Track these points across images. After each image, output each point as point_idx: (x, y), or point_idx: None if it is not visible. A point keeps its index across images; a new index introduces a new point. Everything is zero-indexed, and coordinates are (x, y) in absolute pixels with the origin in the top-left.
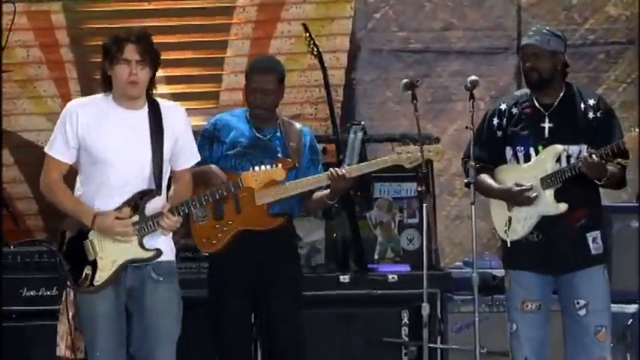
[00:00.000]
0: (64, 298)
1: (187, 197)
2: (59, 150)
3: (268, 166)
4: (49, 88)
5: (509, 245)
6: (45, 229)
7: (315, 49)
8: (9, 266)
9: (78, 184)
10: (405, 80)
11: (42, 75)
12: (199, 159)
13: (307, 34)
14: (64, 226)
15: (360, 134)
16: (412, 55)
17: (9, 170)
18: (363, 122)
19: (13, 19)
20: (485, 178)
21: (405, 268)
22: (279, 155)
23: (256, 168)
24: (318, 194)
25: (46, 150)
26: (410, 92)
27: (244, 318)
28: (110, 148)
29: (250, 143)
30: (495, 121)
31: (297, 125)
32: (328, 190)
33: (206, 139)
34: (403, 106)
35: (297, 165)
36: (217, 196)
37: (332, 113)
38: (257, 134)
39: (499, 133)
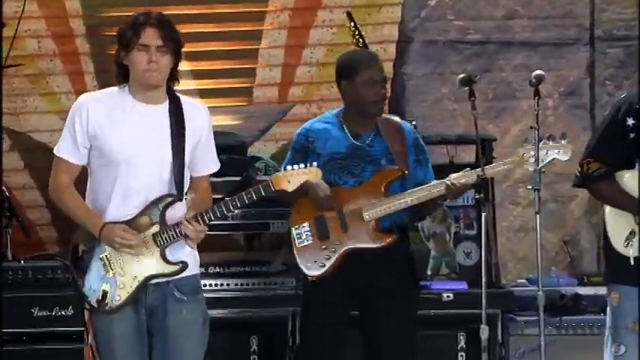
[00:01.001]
0: (87, 317)
1: (208, 205)
2: (68, 150)
3: (302, 165)
4: (63, 83)
5: (632, 262)
6: (59, 241)
7: (360, 39)
8: (19, 283)
9: (89, 189)
10: (462, 75)
11: (55, 69)
12: (219, 166)
13: (351, 22)
14: (76, 238)
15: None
16: (470, 46)
17: (18, 175)
18: (414, 122)
19: (24, 6)
20: (616, 184)
21: (461, 286)
22: (382, 163)
23: (288, 167)
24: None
25: (54, 151)
26: (467, 88)
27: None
28: (125, 147)
29: (348, 153)
30: (630, 121)
31: (395, 120)
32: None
33: (298, 152)
34: (460, 105)
35: (405, 173)
36: (246, 201)
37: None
38: (354, 141)
39: (632, 135)
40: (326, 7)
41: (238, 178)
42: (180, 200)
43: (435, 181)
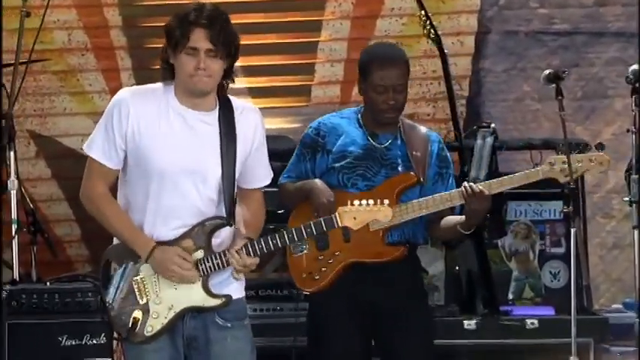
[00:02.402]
0: (115, 346)
1: (261, 223)
2: (102, 151)
3: (371, 201)
4: (95, 81)
5: None
6: (90, 260)
7: (432, 31)
8: (44, 308)
9: (119, 200)
10: (547, 71)
11: (87, 65)
12: (272, 176)
13: (423, 11)
14: (108, 254)
15: (489, 140)
16: (557, 38)
17: (44, 185)
18: (493, 125)
19: None
20: None
21: (547, 311)
22: (399, 168)
23: (355, 203)
24: (449, 219)
25: (85, 149)
26: (554, 86)
27: None
28: (166, 159)
29: (363, 153)
30: None
31: (422, 129)
32: (462, 217)
33: (306, 147)
34: (545, 104)
35: (421, 180)
36: (305, 235)
37: (454, 113)
38: (372, 141)
39: None
40: None
41: None
42: (230, 226)
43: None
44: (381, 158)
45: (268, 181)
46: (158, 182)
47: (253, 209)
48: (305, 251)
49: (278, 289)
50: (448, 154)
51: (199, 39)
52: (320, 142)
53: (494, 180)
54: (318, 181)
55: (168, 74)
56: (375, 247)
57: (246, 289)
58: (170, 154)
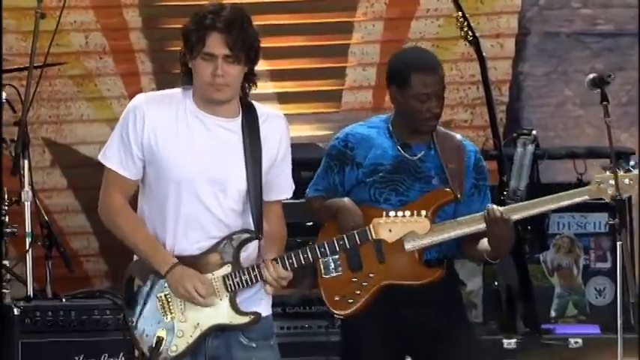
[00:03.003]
0: None
1: (284, 239)
2: (120, 161)
3: (407, 213)
4: (114, 86)
5: None
6: (109, 275)
7: (470, 32)
8: (60, 326)
9: (140, 212)
10: (592, 75)
11: (105, 69)
12: (293, 188)
13: (460, 12)
14: (131, 270)
15: (530, 148)
16: (600, 39)
17: (60, 196)
18: (534, 131)
19: None
20: None
21: (592, 330)
22: (434, 182)
23: (391, 214)
24: (482, 243)
25: (100, 159)
26: (598, 91)
27: None
28: (188, 169)
29: (395, 166)
30: None
31: (457, 138)
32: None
33: (334, 159)
34: (588, 110)
35: (458, 197)
36: (337, 248)
37: (493, 120)
38: (404, 153)
39: None
40: None
41: None
42: (259, 239)
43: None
44: (415, 171)
45: (290, 194)
46: (177, 192)
47: (274, 224)
48: (337, 272)
49: (307, 306)
50: (484, 164)
51: (216, 44)
52: (349, 154)
53: (514, 205)
54: (346, 200)
55: (187, 78)
56: (411, 268)
57: (273, 305)
58: (189, 163)
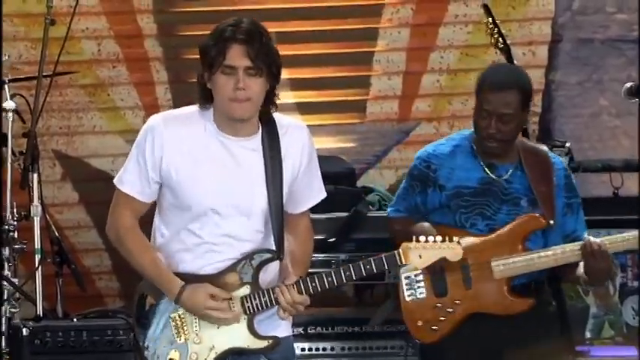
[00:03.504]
0: None
1: (310, 256)
2: (133, 185)
3: (439, 238)
4: (128, 96)
5: None
6: (122, 294)
7: (501, 40)
8: (71, 347)
9: (155, 230)
10: (629, 84)
11: (119, 78)
12: (325, 195)
13: (490, 18)
14: (143, 288)
15: (564, 160)
16: (636, 46)
17: (71, 211)
18: (567, 143)
19: None
20: None
21: (629, 352)
22: (523, 205)
23: (422, 238)
24: (581, 269)
25: (116, 183)
26: (636, 100)
27: None
28: (206, 192)
29: (481, 188)
30: None
31: (543, 152)
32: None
33: (416, 180)
34: (624, 120)
35: (551, 223)
36: (364, 272)
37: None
38: (490, 174)
39: None
40: None
41: (345, 215)
42: (280, 260)
43: (585, 236)
44: (502, 193)
45: (320, 197)
46: (198, 217)
47: (301, 240)
48: (421, 296)
49: (330, 327)
50: (574, 180)
51: (236, 56)
52: (431, 176)
53: (617, 236)
54: (427, 225)
55: (205, 98)
56: (499, 297)
57: (294, 325)
58: (211, 188)
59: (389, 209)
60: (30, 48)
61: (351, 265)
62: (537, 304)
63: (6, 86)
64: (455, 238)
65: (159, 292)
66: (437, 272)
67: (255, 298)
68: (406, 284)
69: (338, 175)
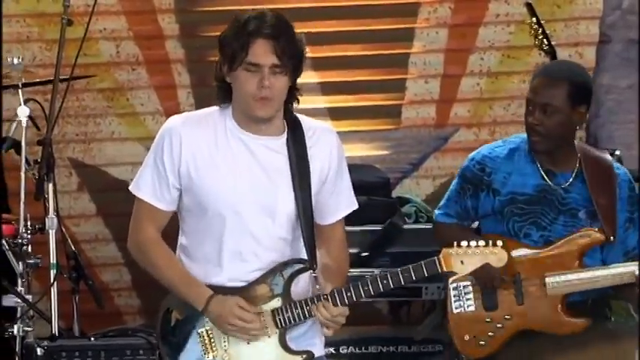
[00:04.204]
0: None
1: (346, 270)
2: (152, 192)
3: (482, 242)
4: (148, 101)
5: None
6: (142, 311)
7: (545, 41)
8: None
9: (181, 251)
10: None
11: (138, 81)
12: (357, 206)
13: (534, 18)
14: (169, 302)
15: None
16: None
17: (88, 223)
18: (617, 151)
19: None
20: None
21: None
22: (581, 216)
23: (463, 244)
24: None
25: (132, 190)
26: None
27: None
28: (228, 195)
29: (537, 196)
30: None
31: (608, 161)
32: None
33: (468, 182)
34: None
35: (611, 239)
36: (402, 281)
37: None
38: (548, 181)
39: None
40: None
41: (379, 228)
42: (313, 270)
43: None
44: (559, 202)
45: (351, 208)
46: (220, 222)
47: (335, 253)
48: (470, 309)
49: (363, 346)
50: (637, 194)
51: (262, 53)
52: (485, 179)
53: None
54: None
55: (224, 95)
56: (552, 315)
57: (325, 345)
58: (233, 191)
59: (437, 212)
60: (45, 50)
61: (388, 273)
62: (593, 323)
63: (19, 91)
64: (499, 242)
65: (185, 307)
66: (487, 284)
67: (287, 311)
68: (454, 295)
69: (371, 184)
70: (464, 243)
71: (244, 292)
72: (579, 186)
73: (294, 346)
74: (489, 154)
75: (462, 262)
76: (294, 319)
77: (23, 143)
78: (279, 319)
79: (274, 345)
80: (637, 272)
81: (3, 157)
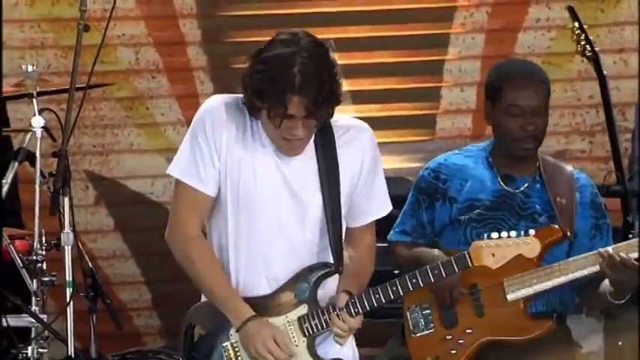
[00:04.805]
0: None
1: (368, 276)
2: (197, 173)
3: (513, 233)
4: (169, 110)
5: None
6: (162, 332)
7: (588, 47)
8: None
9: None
10: None
11: (159, 90)
12: (391, 209)
13: (576, 23)
14: (191, 317)
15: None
16: None
17: (107, 239)
18: None
19: (114, 2)
20: None
21: None
22: (542, 220)
23: (493, 235)
24: (604, 285)
25: (171, 172)
26: None
27: None
28: (254, 194)
29: (496, 201)
30: None
31: (567, 169)
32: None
33: (422, 193)
34: None
35: (568, 235)
36: (432, 278)
37: (616, 150)
38: (505, 187)
39: None
40: (541, 1)
41: None
42: (340, 273)
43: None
44: (519, 207)
45: (385, 211)
46: (246, 218)
47: (359, 256)
48: (429, 330)
49: None
50: (602, 201)
51: (296, 107)
52: (440, 187)
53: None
54: (437, 251)
55: (255, 113)
56: (515, 321)
57: None
58: (259, 186)
59: (392, 232)
60: (60, 57)
61: (417, 272)
62: (561, 341)
63: (34, 100)
64: (531, 232)
65: (209, 321)
66: (445, 301)
67: (314, 318)
68: (412, 318)
69: (404, 198)
70: (494, 235)
71: (269, 300)
72: (538, 190)
73: (323, 353)
74: (445, 161)
75: (493, 254)
76: (322, 326)
77: (38, 155)
78: (307, 327)
79: (303, 354)
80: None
81: (17, 170)
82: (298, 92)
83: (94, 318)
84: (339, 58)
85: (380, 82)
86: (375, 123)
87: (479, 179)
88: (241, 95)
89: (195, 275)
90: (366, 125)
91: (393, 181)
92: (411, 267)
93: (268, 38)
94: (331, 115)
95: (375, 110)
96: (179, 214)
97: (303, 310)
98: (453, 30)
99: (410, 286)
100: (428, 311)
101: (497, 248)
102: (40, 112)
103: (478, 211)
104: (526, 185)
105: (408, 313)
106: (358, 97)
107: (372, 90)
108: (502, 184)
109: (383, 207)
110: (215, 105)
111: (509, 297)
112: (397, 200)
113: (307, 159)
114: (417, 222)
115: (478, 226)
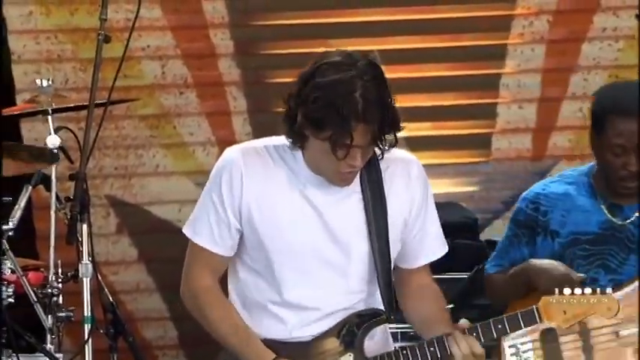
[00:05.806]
0: None
1: (448, 313)
2: (211, 235)
3: (588, 290)
4: (198, 129)
5: None
6: None
7: None
8: None
9: (232, 291)
10: None
11: (187, 106)
12: (446, 250)
13: None
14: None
15: None
16: None
17: (130, 271)
18: None
19: (137, 11)
20: None
21: None
22: None
23: (566, 291)
24: None
25: (187, 232)
26: None
27: None
28: (293, 240)
29: (602, 235)
30: None
31: None
32: None
33: (521, 226)
34: None
35: None
36: (494, 335)
37: None
38: (612, 217)
39: None
40: (608, 8)
41: (465, 276)
42: (389, 321)
43: None
44: (628, 240)
45: (442, 252)
46: (282, 269)
47: (432, 298)
48: None
49: None
50: None
51: (360, 137)
52: (540, 220)
53: None
54: (546, 262)
55: (300, 144)
56: None
57: None
58: (298, 235)
59: (487, 265)
60: (79, 70)
61: (478, 326)
62: None
63: (49, 117)
64: (608, 290)
65: None
66: (551, 339)
67: None
68: (511, 352)
69: (456, 225)
70: (567, 290)
71: (310, 347)
72: None
73: None
74: (543, 190)
75: (564, 312)
76: None
77: (53, 178)
78: None
79: None
80: None
81: (30, 194)
82: (363, 120)
83: (115, 357)
84: (386, 72)
85: (429, 99)
86: (425, 143)
87: (582, 209)
88: (259, 141)
89: (210, 326)
90: (414, 157)
91: (444, 207)
92: (509, 293)
93: (306, 50)
94: (396, 142)
95: (424, 129)
96: (191, 270)
97: (348, 359)
98: (511, 41)
99: (462, 347)
100: (530, 346)
101: (569, 306)
102: (57, 130)
103: (582, 245)
104: (636, 215)
105: (507, 349)
106: (406, 115)
107: (421, 107)
108: (608, 214)
109: (439, 248)
110: (231, 158)
111: (623, 343)
112: (448, 227)
113: (352, 199)
114: (517, 258)
115: (585, 263)
